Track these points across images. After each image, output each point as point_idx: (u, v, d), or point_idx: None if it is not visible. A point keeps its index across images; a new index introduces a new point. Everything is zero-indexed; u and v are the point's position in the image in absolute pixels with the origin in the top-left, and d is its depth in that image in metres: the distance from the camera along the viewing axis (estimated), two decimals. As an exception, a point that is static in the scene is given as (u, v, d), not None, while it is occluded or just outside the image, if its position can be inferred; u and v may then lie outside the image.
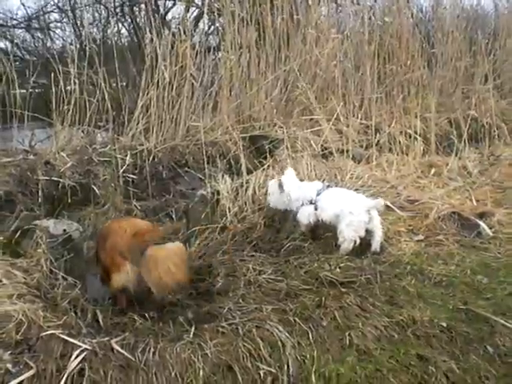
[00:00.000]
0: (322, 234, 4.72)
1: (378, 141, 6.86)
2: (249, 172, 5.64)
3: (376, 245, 4.45)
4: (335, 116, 6.76)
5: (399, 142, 6.88)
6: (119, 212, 5.06)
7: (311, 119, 6.84)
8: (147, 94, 6.21)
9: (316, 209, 4.56)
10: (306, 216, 4.61)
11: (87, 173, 5.46)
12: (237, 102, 6.74)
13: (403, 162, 6.50)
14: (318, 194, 4.58)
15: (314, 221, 4.61)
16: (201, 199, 5.12)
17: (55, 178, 5.28)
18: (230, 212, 4.96)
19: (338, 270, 4.14)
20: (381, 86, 7.54)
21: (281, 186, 4.60)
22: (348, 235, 4.36)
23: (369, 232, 4.44)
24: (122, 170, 5.54)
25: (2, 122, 6.26)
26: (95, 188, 5.33)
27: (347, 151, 6.39)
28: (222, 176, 5.40)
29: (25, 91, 6.64)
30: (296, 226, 4.79)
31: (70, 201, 5.21)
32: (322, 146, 6.39)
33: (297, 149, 6.14)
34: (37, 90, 7.45)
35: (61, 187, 5.25)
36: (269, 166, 5.64)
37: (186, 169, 5.83)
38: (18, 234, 4.14)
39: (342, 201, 4.48)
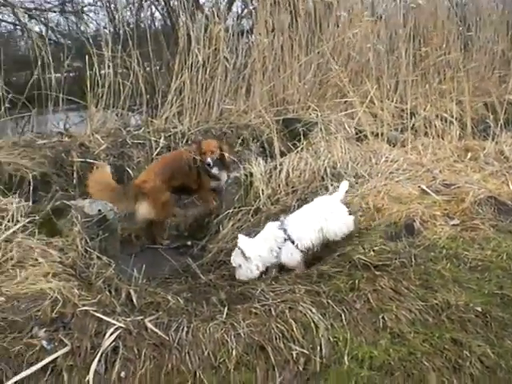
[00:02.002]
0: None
1: (414, 124, 6.76)
2: (282, 154, 5.60)
3: None
4: (369, 99, 6.68)
5: (435, 126, 6.76)
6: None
7: (345, 102, 6.80)
8: (181, 76, 6.25)
9: (293, 242, 4.12)
10: (292, 258, 4.14)
11: (121, 155, 5.53)
12: (270, 85, 6.74)
13: (439, 146, 6.39)
14: (285, 231, 4.12)
15: (301, 255, 4.17)
16: (234, 181, 5.11)
17: (90, 160, 5.34)
18: (263, 194, 4.94)
19: (372, 253, 4.08)
20: (416, 69, 7.43)
21: (243, 254, 3.99)
22: (340, 231, 4.23)
23: None
24: (155, 153, 5.58)
25: (38, 106, 6.36)
26: (129, 170, 5.39)
27: (382, 134, 6.31)
28: (256, 158, 5.37)
29: (59, 75, 6.72)
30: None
31: (104, 182, 5.26)
32: (355, 128, 6.34)
33: (330, 131, 6.09)
34: (71, 74, 7.52)
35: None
36: (302, 148, 5.56)
37: (220, 151, 5.84)
38: (54, 213, 4.17)
39: (320, 213, 4.22)
